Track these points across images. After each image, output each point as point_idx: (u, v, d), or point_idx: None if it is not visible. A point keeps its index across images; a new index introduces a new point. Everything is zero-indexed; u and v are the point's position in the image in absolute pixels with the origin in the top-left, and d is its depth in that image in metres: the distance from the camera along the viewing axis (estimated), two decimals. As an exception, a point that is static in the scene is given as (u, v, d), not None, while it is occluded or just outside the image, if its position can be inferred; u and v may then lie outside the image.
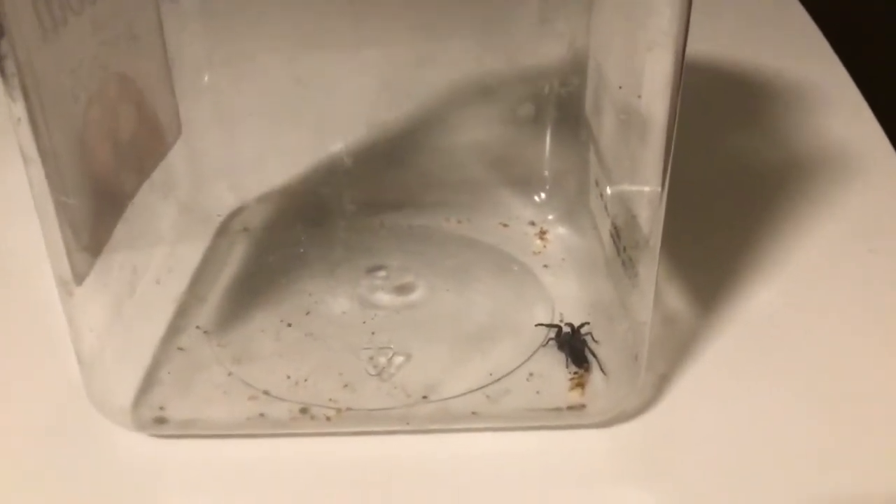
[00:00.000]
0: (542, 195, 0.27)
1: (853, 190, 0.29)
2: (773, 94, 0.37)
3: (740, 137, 0.33)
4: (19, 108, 0.16)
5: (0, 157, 0.27)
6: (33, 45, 0.16)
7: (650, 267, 0.19)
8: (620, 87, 0.21)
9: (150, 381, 0.20)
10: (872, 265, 0.25)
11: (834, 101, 0.36)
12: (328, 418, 0.19)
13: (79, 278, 0.18)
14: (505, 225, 0.27)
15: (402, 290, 0.23)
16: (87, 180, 0.18)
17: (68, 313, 0.18)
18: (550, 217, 0.27)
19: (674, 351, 0.21)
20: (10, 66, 0.15)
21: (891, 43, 0.55)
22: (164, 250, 0.24)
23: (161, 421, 0.19)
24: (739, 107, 0.36)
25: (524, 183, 0.27)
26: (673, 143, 0.17)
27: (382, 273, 0.24)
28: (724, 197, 0.29)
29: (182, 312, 0.23)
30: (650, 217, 0.19)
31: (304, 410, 0.19)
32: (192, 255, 0.25)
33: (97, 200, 0.19)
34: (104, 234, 0.19)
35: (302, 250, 0.26)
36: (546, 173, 0.27)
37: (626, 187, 0.21)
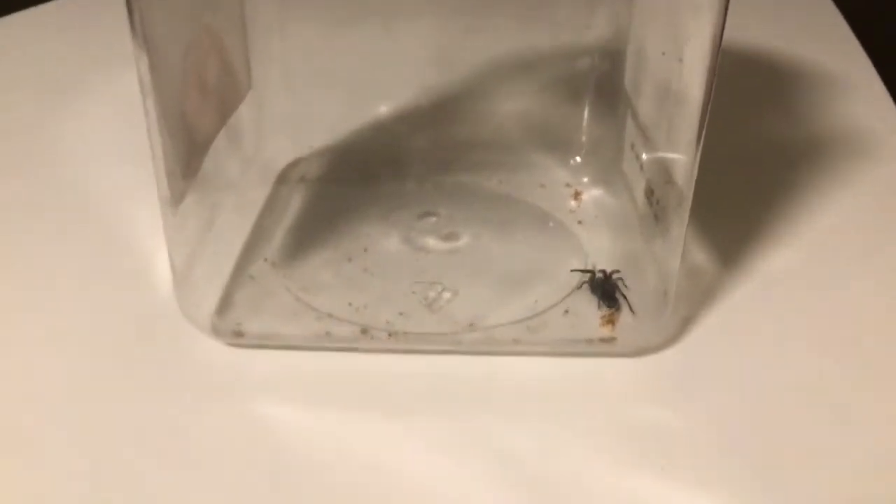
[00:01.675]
0: (578, 159, 0.29)
1: (867, 165, 0.31)
2: (798, 78, 0.39)
3: (766, 116, 0.35)
4: (141, 51, 0.18)
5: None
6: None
7: (681, 218, 0.21)
8: (663, 54, 0.23)
9: (227, 301, 0.23)
10: (883, 231, 0.27)
11: (853, 85, 0.38)
12: (389, 335, 0.21)
13: (177, 200, 0.20)
14: (542, 186, 0.29)
15: (450, 236, 0.26)
16: (182, 118, 0.21)
17: (167, 229, 0.20)
18: (585, 179, 0.29)
19: (697, 298, 0.23)
20: (136, 18, 0.18)
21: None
22: (234, 194, 0.26)
23: (239, 334, 0.22)
24: (765, 89, 0.38)
25: (562, 147, 0.29)
26: (709, 107, 0.19)
27: (432, 220, 0.26)
28: (750, 168, 0.31)
29: (251, 247, 0.25)
30: (684, 175, 0.21)
31: (364, 331, 0.22)
32: (256, 199, 0.27)
33: (189, 137, 0.21)
34: (195, 166, 0.21)
35: (355, 199, 0.28)
36: (583, 139, 0.29)
37: (663, 153, 0.23)
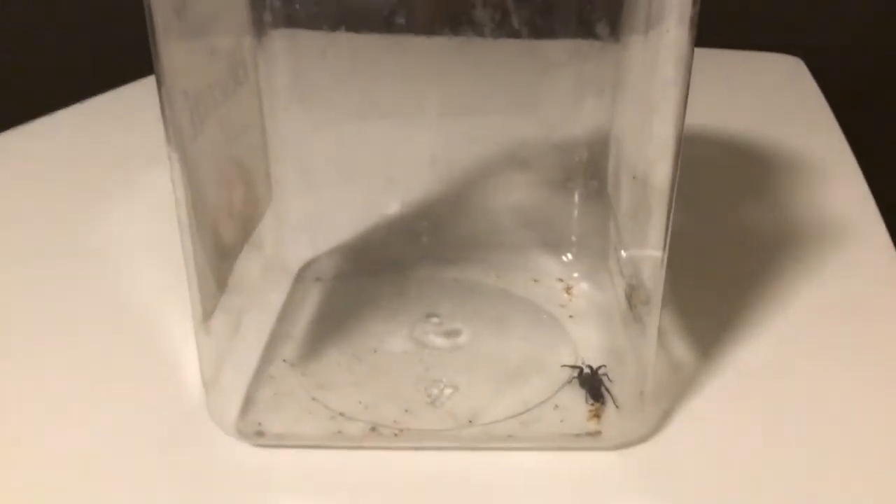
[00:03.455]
0: (570, 255, 0.32)
1: (843, 257, 0.33)
2: (778, 165, 0.42)
3: (745, 205, 0.37)
4: (180, 191, 0.21)
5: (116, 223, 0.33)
6: (188, 143, 0.22)
7: (654, 319, 0.23)
8: (634, 178, 0.26)
9: (249, 401, 0.25)
10: (857, 324, 0.29)
11: (832, 173, 0.40)
12: (395, 435, 0.24)
13: (208, 316, 0.23)
14: (536, 280, 0.31)
15: (452, 334, 0.28)
16: (213, 243, 0.24)
17: (199, 344, 0.23)
18: (576, 275, 0.31)
19: (676, 391, 0.26)
20: (174, 157, 0.21)
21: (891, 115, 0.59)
22: (256, 296, 0.29)
23: (260, 434, 0.24)
24: (744, 175, 0.40)
25: (554, 244, 0.32)
26: (671, 215, 0.22)
27: (436, 319, 0.29)
28: (729, 259, 0.33)
29: (271, 347, 0.28)
30: (654, 277, 0.23)
31: (373, 429, 0.24)
32: (275, 300, 0.30)
33: (219, 257, 0.24)
34: (223, 283, 0.24)
35: (366, 298, 0.31)
36: (573, 237, 0.32)
37: (636, 252, 0.26)
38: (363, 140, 0.31)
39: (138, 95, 0.49)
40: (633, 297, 0.26)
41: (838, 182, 0.39)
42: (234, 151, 0.26)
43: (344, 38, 0.28)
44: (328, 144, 0.31)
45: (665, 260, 0.23)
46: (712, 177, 0.39)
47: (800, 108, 0.50)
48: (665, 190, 0.22)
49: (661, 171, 0.22)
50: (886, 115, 0.60)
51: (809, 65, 0.56)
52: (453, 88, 0.30)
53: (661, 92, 0.22)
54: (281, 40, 0.28)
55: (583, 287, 0.31)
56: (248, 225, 0.27)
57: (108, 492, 0.22)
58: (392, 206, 0.33)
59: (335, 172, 0.32)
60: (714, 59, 0.53)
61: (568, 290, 0.31)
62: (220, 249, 0.24)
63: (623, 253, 0.28)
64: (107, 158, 0.44)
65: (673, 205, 0.22)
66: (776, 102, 0.51)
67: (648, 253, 0.24)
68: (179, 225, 0.21)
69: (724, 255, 0.33)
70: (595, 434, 0.24)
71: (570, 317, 0.29)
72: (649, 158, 0.24)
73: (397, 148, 0.31)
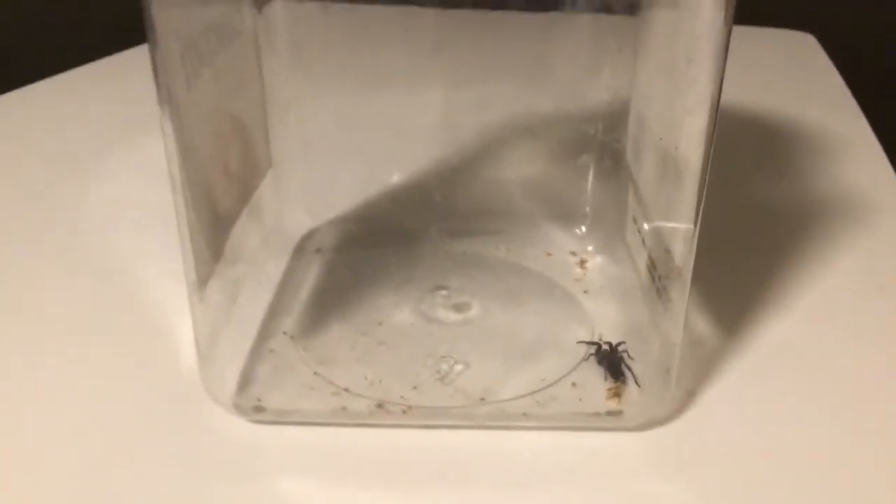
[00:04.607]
0: (583, 228, 0.30)
1: (867, 231, 0.32)
2: (797, 142, 0.40)
3: (765, 181, 0.36)
4: (171, 144, 0.19)
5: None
6: (181, 92, 0.20)
7: (682, 294, 0.22)
8: (661, 140, 0.24)
9: (248, 376, 0.23)
10: (881, 299, 0.28)
11: (852, 149, 0.39)
12: (404, 411, 0.22)
13: (203, 283, 0.21)
14: (549, 254, 0.30)
15: (460, 308, 0.27)
16: (209, 204, 0.22)
17: (193, 313, 0.21)
18: (590, 248, 0.30)
19: (700, 370, 0.24)
20: (166, 110, 0.19)
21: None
22: (255, 266, 0.27)
23: (259, 409, 0.22)
24: (766, 153, 0.39)
25: (567, 217, 0.30)
26: (705, 188, 0.21)
27: (444, 292, 0.27)
28: (750, 235, 0.32)
29: (270, 320, 0.26)
30: (683, 251, 0.22)
31: (380, 406, 0.22)
32: (275, 271, 0.29)
33: (215, 221, 0.23)
34: (219, 249, 0.23)
35: (369, 269, 0.29)
36: (587, 209, 0.30)
37: (662, 224, 0.24)
38: (368, 108, 0.30)
39: (129, 65, 0.47)
40: (656, 271, 0.24)
41: (859, 158, 0.38)
42: (231, 106, 0.24)
43: (349, 7, 0.27)
44: (331, 111, 0.30)
45: (696, 233, 0.21)
46: (730, 152, 0.38)
47: (815, 85, 0.48)
48: (698, 160, 0.20)
49: (695, 142, 0.21)
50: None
51: (821, 42, 0.55)
52: (463, 57, 0.29)
53: (695, 57, 0.20)
54: (283, 4, 0.27)
55: (597, 261, 0.29)
56: (245, 188, 0.26)
57: (98, 468, 0.21)
58: (398, 176, 0.31)
59: (338, 140, 0.30)
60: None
61: (582, 263, 0.29)
62: (215, 212, 0.22)
63: (645, 225, 0.26)
64: (98, 126, 0.42)
65: (707, 176, 0.21)
66: (791, 79, 0.50)
67: (678, 225, 0.22)
68: (171, 181, 0.20)
69: (746, 231, 0.32)
70: (616, 414, 0.22)
71: (585, 292, 0.28)
72: (681, 129, 0.22)
73: (404, 116, 0.30)
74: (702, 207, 0.21)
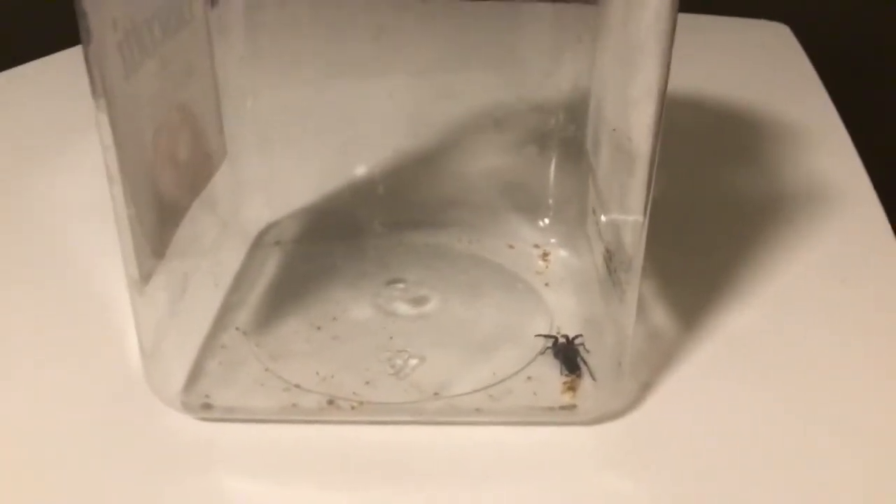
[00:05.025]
0: (546, 220, 0.30)
1: (831, 223, 0.31)
2: (766, 132, 0.40)
3: (729, 170, 0.36)
4: (107, 137, 0.19)
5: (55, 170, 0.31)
6: (117, 83, 0.19)
7: (633, 286, 0.22)
8: (614, 130, 0.24)
9: (197, 372, 0.23)
10: (842, 292, 0.28)
11: (822, 140, 0.39)
12: (352, 408, 0.22)
13: (145, 279, 0.21)
14: (511, 246, 0.29)
15: (418, 301, 0.26)
16: (153, 197, 0.21)
17: (135, 309, 0.21)
18: (553, 240, 0.29)
19: (656, 362, 0.24)
20: (100, 102, 0.19)
21: (881, 84, 0.58)
22: (208, 260, 0.27)
23: (207, 406, 0.22)
24: (730, 142, 0.39)
25: (530, 209, 0.30)
26: (653, 179, 0.20)
27: (401, 285, 0.27)
28: (710, 224, 0.31)
29: (223, 315, 0.25)
30: (634, 242, 0.21)
31: (330, 402, 0.22)
32: (231, 264, 0.28)
33: (160, 214, 0.22)
34: (165, 243, 0.22)
35: (328, 263, 0.29)
36: (550, 201, 0.30)
37: (616, 216, 0.24)
38: (327, 98, 0.29)
39: (72, 63, 0.46)
40: (612, 263, 0.24)
41: (827, 148, 0.38)
42: (179, 96, 0.23)
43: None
44: (290, 101, 0.29)
45: (646, 224, 0.21)
46: (697, 143, 0.38)
47: (787, 75, 0.48)
48: (647, 151, 0.20)
49: (642, 131, 0.20)
50: (872, 82, 0.58)
51: (795, 32, 0.54)
52: (423, 47, 0.28)
53: (644, 47, 0.20)
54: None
55: (560, 254, 0.29)
56: (196, 180, 0.25)
57: (40, 468, 0.20)
58: (357, 167, 0.31)
59: (298, 131, 0.30)
60: (699, 25, 0.51)
61: (544, 256, 0.29)
62: (160, 204, 0.22)
63: (602, 217, 0.26)
64: (39, 125, 0.41)
65: (655, 167, 0.20)
66: (763, 69, 0.49)
67: (629, 217, 0.22)
68: (107, 173, 0.19)
69: (709, 222, 0.32)
70: (570, 408, 0.22)
71: (546, 284, 0.27)
72: (631, 117, 0.22)
73: (365, 107, 0.29)
74: (650, 197, 0.21)
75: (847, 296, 0.28)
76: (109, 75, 0.19)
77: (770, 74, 0.49)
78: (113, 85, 0.19)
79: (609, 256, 0.24)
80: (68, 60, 0.47)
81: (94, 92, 0.18)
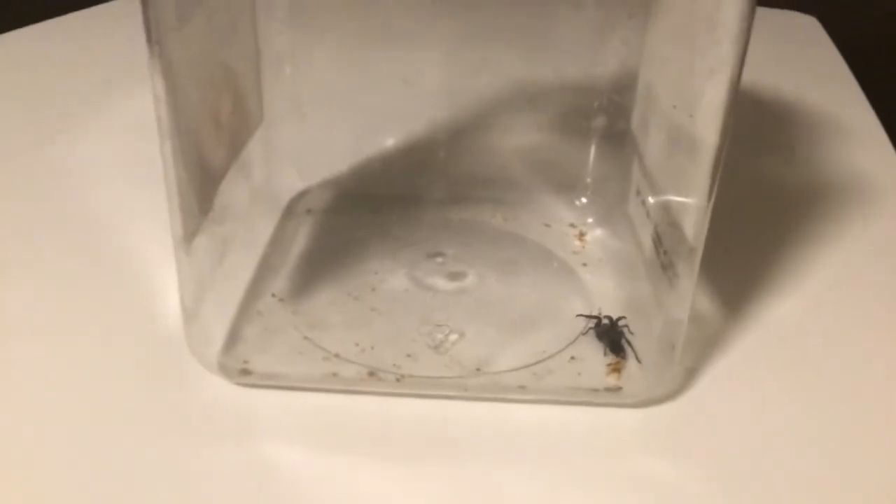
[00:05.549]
0: (583, 200, 0.29)
1: (869, 214, 0.31)
2: (799, 124, 0.39)
3: (770, 164, 0.35)
4: (159, 87, 0.18)
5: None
6: (171, 35, 0.19)
7: (690, 270, 0.21)
8: (674, 107, 0.23)
9: (234, 337, 0.22)
10: (885, 280, 0.27)
11: (855, 131, 0.38)
12: (397, 380, 0.21)
13: (189, 238, 0.20)
14: (547, 225, 0.29)
15: (456, 276, 0.26)
16: (196, 156, 0.21)
17: (179, 268, 0.20)
18: (590, 220, 0.29)
19: (702, 348, 0.24)
20: (155, 51, 0.18)
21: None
22: (243, 225, 0.26)
23: (246, 372, 0.21)
24: (770, 136, 0.38)
25: (567, 187, 0.30)
26: (722, 161, 0.20)
27: (439, 259, 0.26)
28: (754, 215, 0.31)
29: (258, 281, 0.25)
30: (695, 226, 0.21)
31: (371, 373, 0.22)
32: (264, 231, 0.27)
33: (202, 174, 0.21)
34: (207, 203, 0.21)
35: (360, 233, 0.28)
36: (588, 180, 0.30)
37: (671, 198, 0.23)
38: (366, 66, 0.28)
39: (122, 13, 0.45)
40: (662, 246, 0.24)
41: (862, 139, 0.37)
42: (223, 54, 0.23)
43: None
44: (328, 68, 0.29)
45: (710, 209, 0.20)
46: (738, 136, 0.37)
47: (818, 67, 0.48)
48: (716, 131, 0.19)
49: (710, 110, 0.20)
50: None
51: (824, 24, 0.54)
52: (468, 18, 0.27)
53: (716, 20, 0.19)
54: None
55: (597, 233, 0.28)
56: (235, 141, 0.24)
57: (79, 428, 0.20)
58: (394, 138, 0.30)
59: (334, 98, 0.29)
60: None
61: (581, 236, 0.28)
62: (204, 163, 0.21)
63: (651, 198, 0.25)
64: (86, 76, 0.40)
65: (725, 148, 0.20)
66: (794, 61, 0.49)
67: (690, 200, 0.21)
68: (159, 126, 0.18)
69: (750, 211, 0.31)
70: (615, 390, 0.22)
71: (584, 265, 0.27)
72: (699, 96, 0.21)
73: (404, 76, 0.28)
74: (717, 181, 0.20)
75: (890, 286, 0.27)
76: (164, 21, 0.18)
77: (800, 66, 0.48)
78: (167, 33, 0.18)
79: (658, 239, 0.24)
80: (118, 10, 0.46)
81: (148, 38, 0.18)
